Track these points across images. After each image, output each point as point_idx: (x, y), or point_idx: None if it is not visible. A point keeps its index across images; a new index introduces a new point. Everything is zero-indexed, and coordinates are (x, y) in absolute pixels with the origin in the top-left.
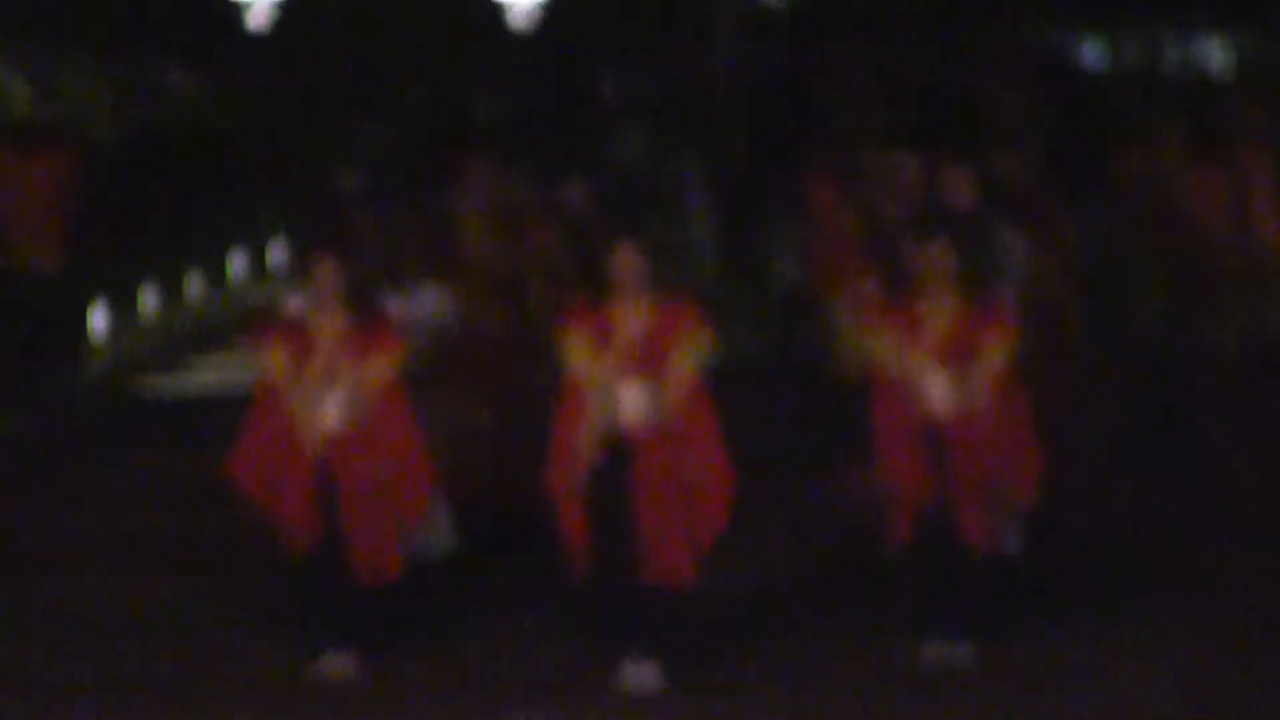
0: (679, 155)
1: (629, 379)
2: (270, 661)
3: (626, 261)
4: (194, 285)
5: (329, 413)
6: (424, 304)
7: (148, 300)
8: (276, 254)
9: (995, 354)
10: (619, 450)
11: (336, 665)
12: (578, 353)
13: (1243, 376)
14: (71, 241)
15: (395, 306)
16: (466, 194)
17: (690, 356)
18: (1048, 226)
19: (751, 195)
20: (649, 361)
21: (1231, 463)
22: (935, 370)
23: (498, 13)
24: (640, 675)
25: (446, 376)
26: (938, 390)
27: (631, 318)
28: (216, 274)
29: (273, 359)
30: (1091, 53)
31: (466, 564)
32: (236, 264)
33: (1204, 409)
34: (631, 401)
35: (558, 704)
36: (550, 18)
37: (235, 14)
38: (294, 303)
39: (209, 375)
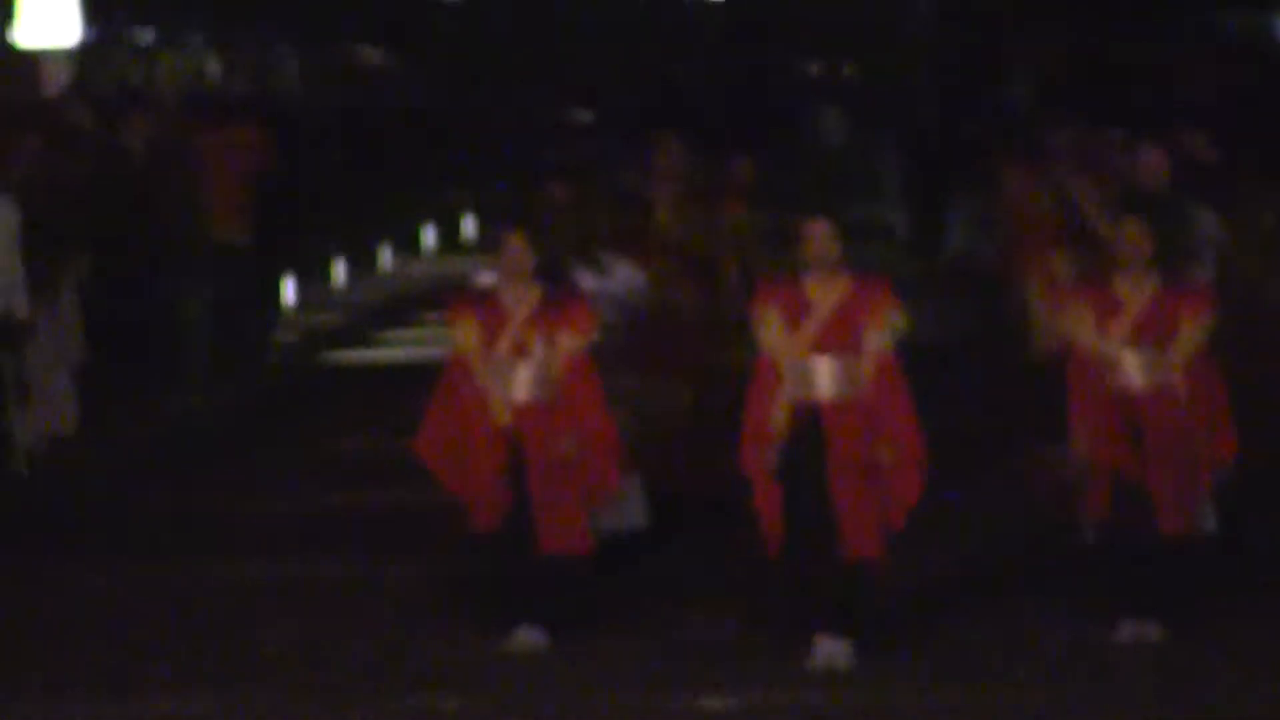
0: (875, 136)
1: (823, 356)
2: (463, 639)
3: (819, 239)
4: (386, 257)
5: (519, 386)
6: (617, 280)
7: (339, 273)
8: (470, 227)
9: (1191, 333)
10: (813, 427)
11: (529, 641)
12: (771, 330)
13: None
14: (264, 216)
15: (587, 282)
16: (661, 171)
17: (884, 333)
18: (1244, 206)
19: (945, 176)
20: (842, 338)
21: None
22: (1132, 349)
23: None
24: (833, 653)
25: (640, 354)
26: (1134, 369)
27: (825, 295)
28: (409, 247)
29: (463, 332)
30: None
31: (660, 541)
32: (429, 237)
33: None
34: (825, 378)
35: (750, 681)
36: None
37: None
38: (486, 277)
39: (400, 349)
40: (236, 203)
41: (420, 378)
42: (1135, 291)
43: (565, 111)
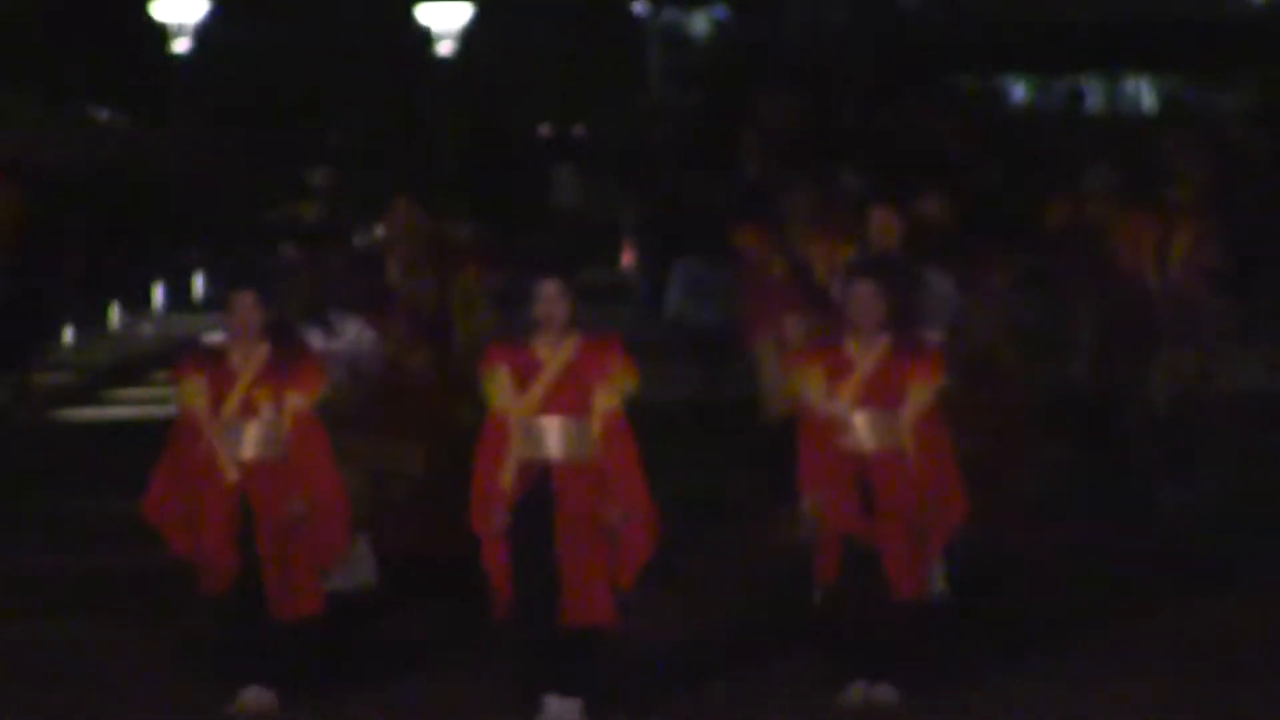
0: (611, 197)
1: (551, 415)
2: (192, 700)
3: (548, 298)
4: (116, 316)
5: (247, 445)
6: (346, 339)
7: (68, 331)
8: (201, 286)
9: (921, 395)
10: (542, 487)
11: (257, 702)
12: (500, 389)
13: (1172, 422)
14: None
15: (317, 341)
16: (393, 229)
17: (614, 393)
18: (977, 270)
19: (679, 238)
20: (571, 398)
21: (1159, 504)
22: (861, 410)
23: (425, 40)
24: (561, 712)
25: (370, 413)
26: (864, 430)
27: (554, 355)
28: (139, 305)
29: (191, 391)
30: (1018, 95)
31: (389, 600)
32: (160, 296)
33: (1134, 453)
34: (554, 438)
35: None
36: (474, 50)
37: (161, 45)
38: (215, 336)
39: (129, 408)
40: None
41: (150, 437)
42: (865, 353)
43: (302, 170)
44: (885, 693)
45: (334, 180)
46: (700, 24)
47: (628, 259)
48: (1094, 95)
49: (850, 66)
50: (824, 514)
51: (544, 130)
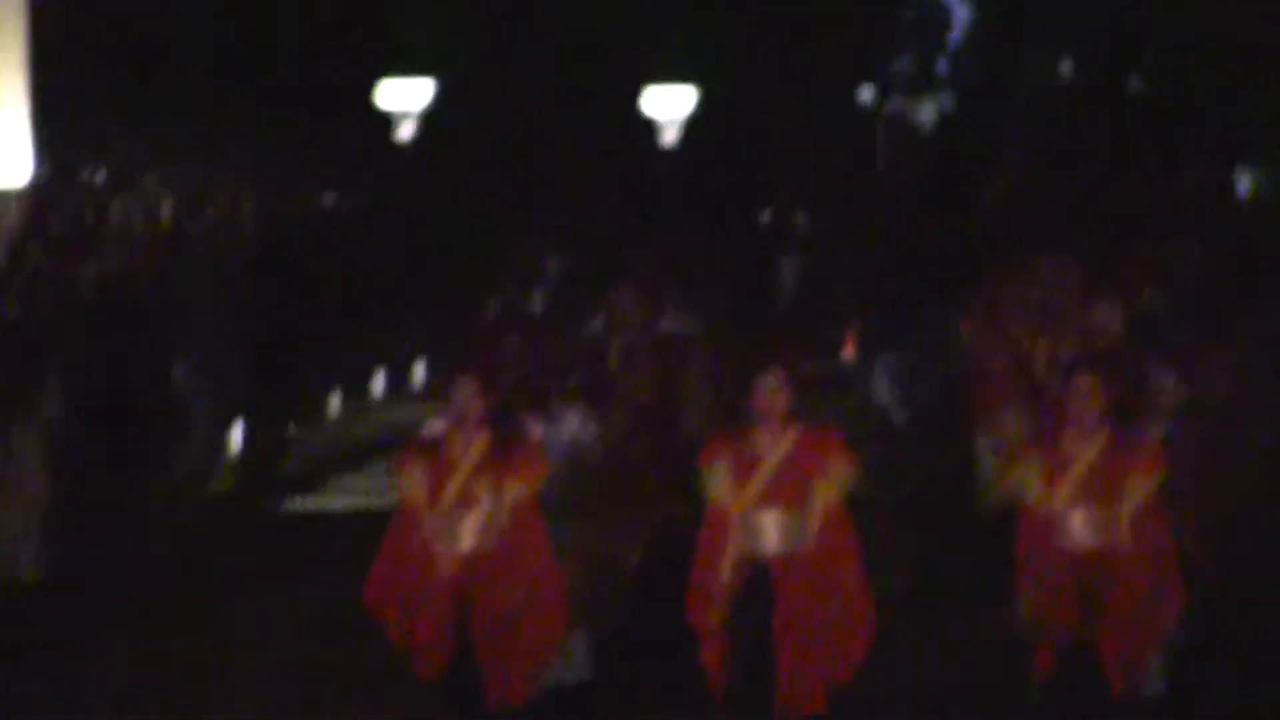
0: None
1: (770, 509)
2: None
3: (767, 391)
4: (336, 403)
5: (465, 535)
6: (567, 429)
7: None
8: (422, 373)
9: (1141, 490)
10: (761, 581)
11: None
12: (720, 482)
13: None
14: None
15: (537, 430)
16: (615, 319)
17: (834, 487)
18: (1200, 364)
19: (900, 326)
20: (790, 492)
21: None
22: (1081, 507)
23: (650, 130)
24: None
25: (589, 503)
26: (1083, 526)
27: (775, 447)
28: (359, 392)
29: (410, 481)
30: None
31: (605, 694)
32: (380, 382)
33: None
34: (773, 532)
35: None
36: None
37: (387, 129)
38: (435, 424)
39: (351, 497)
40: None
41: (371, 528)
42: (1085, 448)
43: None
44: None
45: (563, 265)
46: (927, 112)
47: (849, 350)
48: None
49: (1079, 152)
50: (1040, 610)
51: (765, 217)
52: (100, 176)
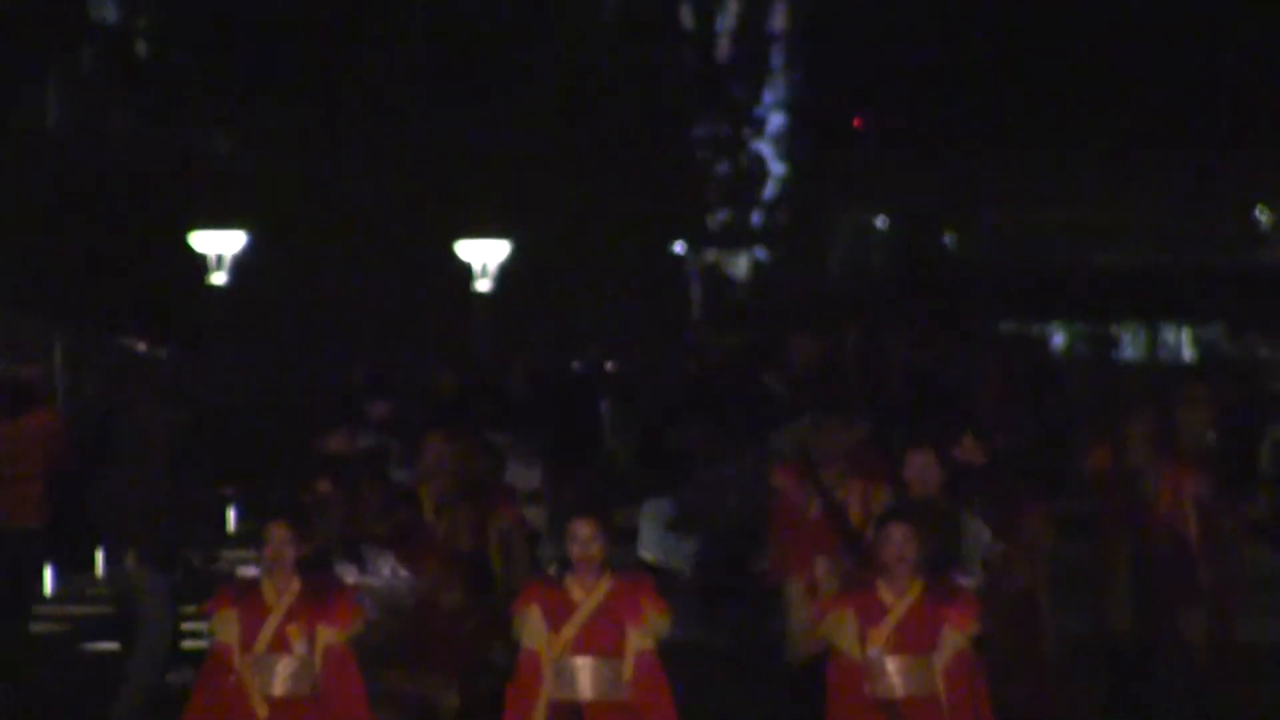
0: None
1: (585, 656)
2: None
3: (582, 539)
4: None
5: (278, 680)
6: (381, 575)
7: (99, 562)
8: (234, 519)
9: (955, 640)
10: None
11: None
12: (534, 628)
13: (1210, 676)
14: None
15: (351, 576)
16: (429, 466)
17: (648, 634)
18: (1016, 516)
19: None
20: (604, 638)
21: None
22: (894, 655)
23: (467, 275)
24: None
25: (404, 649)
26: (896, 675)
27: (587, 595)
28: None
29: (223, 624)
30: (1057, 341)
31: None
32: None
33: (1172, 702)
34: (587, 678)
35: None
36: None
37: (200, 275)
38: (249, 569)
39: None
40: (29, 488)
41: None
42: (899, 598)
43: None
44: None
45: (382, 412)
46: (741, 265)
47: None
48: (1133, 344)
49: (890, 309)
50: None
51: (577, 366)
52: None
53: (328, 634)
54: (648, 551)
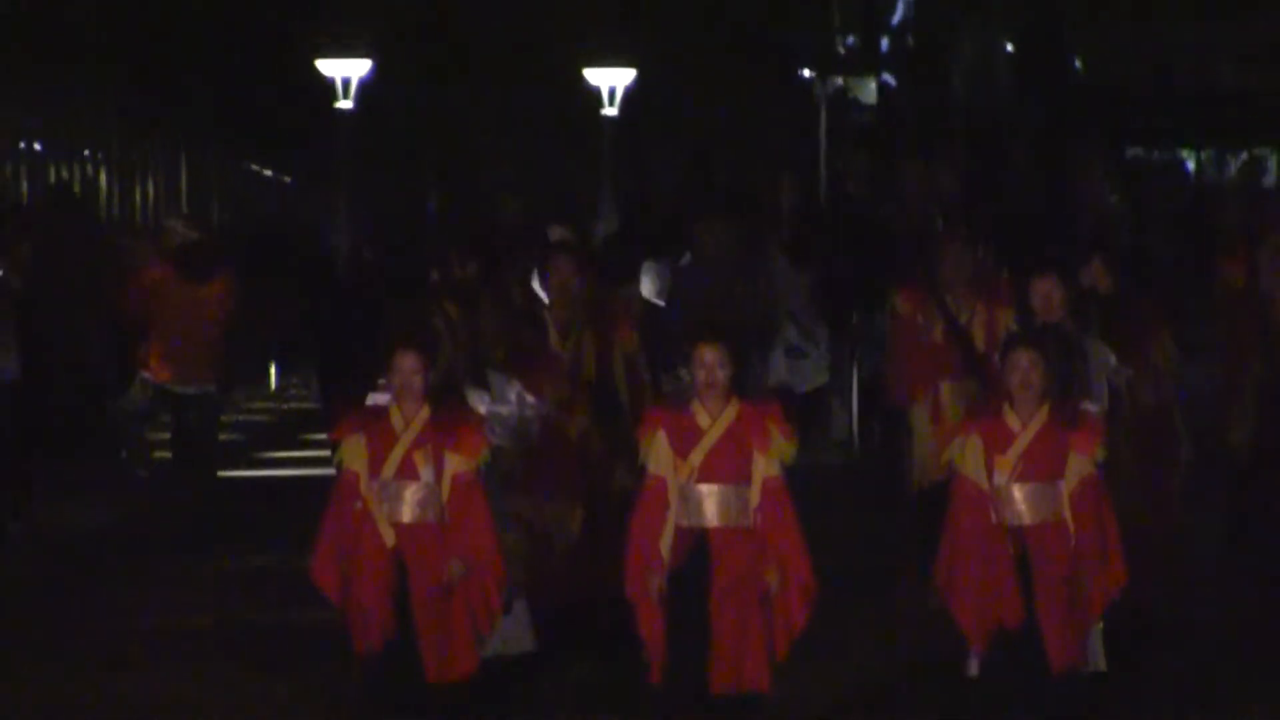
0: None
1: (710, 482)
2: None
3: (709, 364)
4: (275, 376)
5: (405, 508)
6: (508, 403)
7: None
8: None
9: (1081, 466)
10: (700, 554)
11: None
12: (659, 454)
13: None
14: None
15: (478, 404)
16: (553, 290)
17: (774, 460)
18: (1143, 339)
19: (844, 299)
20: (730, 465)
21: None
22: (1020, 482)
23: (594, 101)
24: None
25: (529, 476)
26: (1022, 502)
27: (713, 421)
28: (298, 365)
29: (352, 451)
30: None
31: (545, 666)
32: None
33: None
34: (712, 504)
35: None
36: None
37: (326, 101)
38: (377, 396)
39: (289, 469)
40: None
41: (313, 497)
42: (1025, 424)
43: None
44: None
45: (503, 239)
46: (868, 90)
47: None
48: (1270, 168)
49: (1019, 133)
50: (975, 586)
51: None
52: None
53: (455, 461)
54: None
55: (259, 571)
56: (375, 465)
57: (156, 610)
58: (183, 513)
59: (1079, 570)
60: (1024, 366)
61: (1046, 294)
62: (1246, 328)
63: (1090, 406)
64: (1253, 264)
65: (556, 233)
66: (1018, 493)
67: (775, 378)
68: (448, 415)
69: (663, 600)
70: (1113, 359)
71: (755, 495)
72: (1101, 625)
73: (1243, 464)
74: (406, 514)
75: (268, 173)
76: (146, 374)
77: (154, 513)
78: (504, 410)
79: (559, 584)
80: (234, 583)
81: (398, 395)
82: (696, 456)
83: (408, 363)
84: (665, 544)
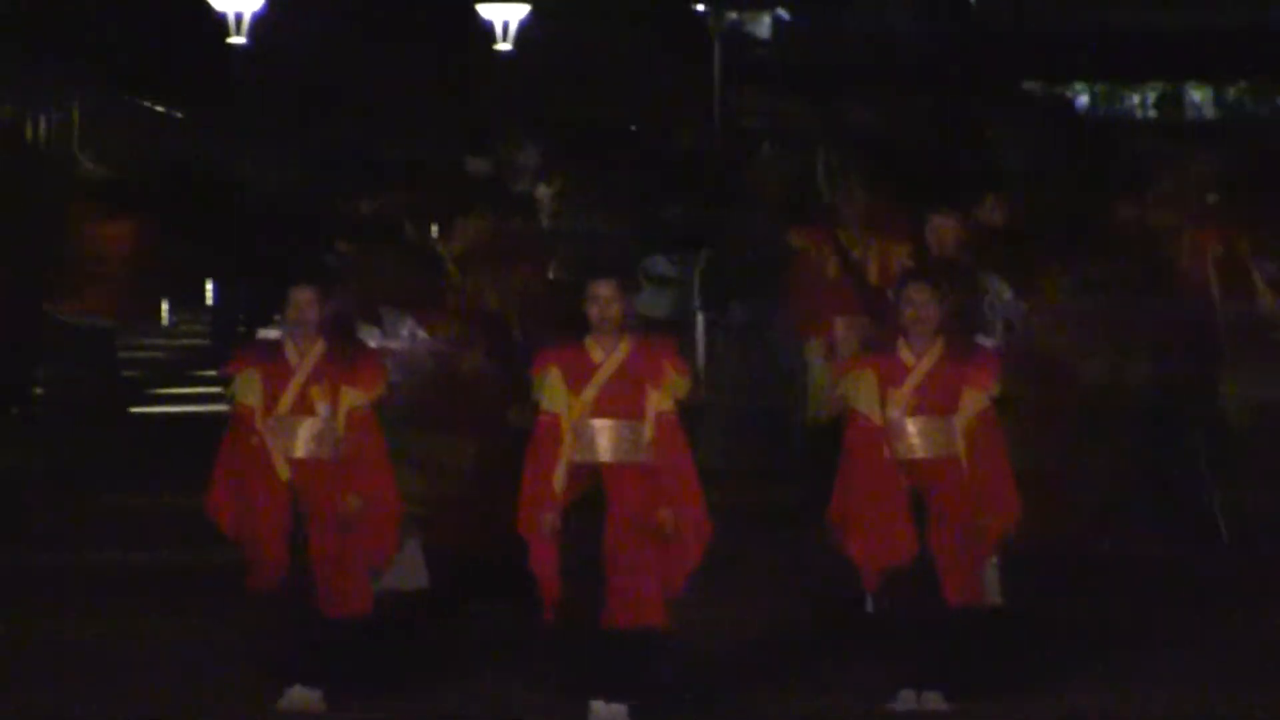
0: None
1: (604, 418)
2: (239, 697)
3: (602, 300)
4: (171, 315)
5: (301, 443)
6: (402, 338)
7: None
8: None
9: (976, 401)
10: (594, 489)
11: (304, 700)
12: (554, 390)
13: (1235, 436)
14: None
15: (372, 338)
16: (454, 229)
17: (668, 396)
18: (1037, 275)
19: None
20: (626, 400)
21: (1218, 517)
22: (914, 417)
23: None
24: (609, 717)
25: (424, 412)
26: (916, 437)
27: (608, 357)
28: (196, 302)
29: (246, 386)
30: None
31: (440, 604)
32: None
33: (1195, 461)
34: (606, 440)
35: None
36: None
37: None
38: (271, 331)
39: (182, 405)
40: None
41: (205, 434)
42: (920, 359)
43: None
44: (936, 701)
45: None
46: (763, 25)
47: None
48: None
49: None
50: (870, 523)
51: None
52: None
53: (351, 396)
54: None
55: (155, 509)
56: (270, 401)
57: (51, 548)
58: (80, 450)
59: (974, 505)
60: (919, 301)
61: (941, 229)
62: (1139, 266)
63: (986, 341)
64: (1143, 203)
65: (474, 164)
66: (912, 427)
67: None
68: (343, 350)
69: (556, 537)
70: (1009, 294)
71: (649, 430)
72: (996, 560)
73: (1138, 402)
74: (302, 449)
75: (160, 109)
76: (51, 307)
77: (50, 450)
78: (396, 345)
79: (452, 521)
80: (130, 520)
81: (292, 329)
82: (590, 392)
83: (303, 296)
84: (559, 480)
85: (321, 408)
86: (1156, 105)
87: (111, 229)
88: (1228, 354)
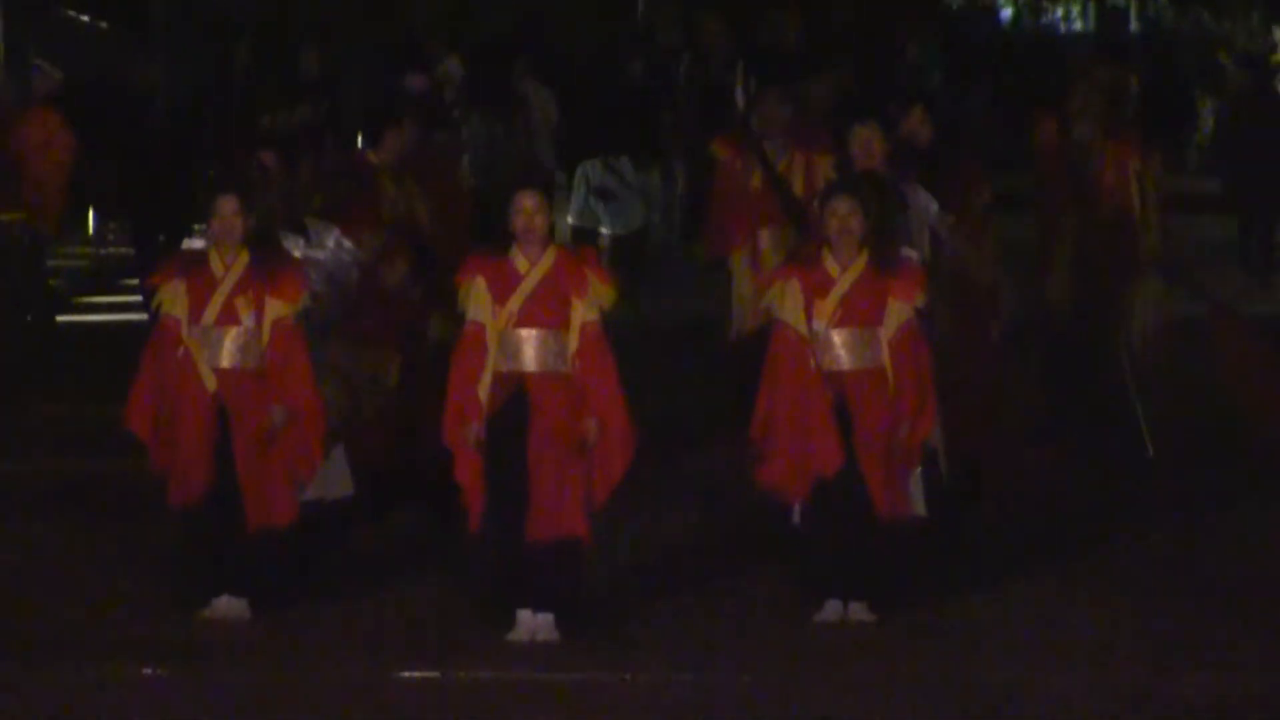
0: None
1: (529, 328)
2: (162, 608)
3: (527, 211)
4: (94, 223)
5: (225, 353)
6: (326, 249)
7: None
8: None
9: (900, 312)
10: (518, 400)
11: (230, 611)
12: (479, 300)
13: (1151, 352)
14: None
15: (296, 249)
16: (380, 143)
17: (592, 307)
18: (961, 189)
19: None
20: (549, 311)
21: (1138, 432)
22: (839, 329)
23: None
24: (534, 628)
25: (348, 323)
26: (841, 348)
27: (534, 266)
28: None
29: (170, 297)
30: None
31: (363, 511)
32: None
33: (1112, 375)
34: (531, 350)
35: (452, 653)
36: None
37: None
38: (195, 242)
39: (104, 314)
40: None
41: (128, 343)
42: (844, 270)
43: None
44: (861, 612)
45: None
46: None
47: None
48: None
49: None
50: (795, 434)
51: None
52: None
53: (276, 306)
54: (573, 217)
55: (77, 420)
56: (195, 311)
57: None
58: (2, 359)
59: (898, 416)
60: (843, 212)
61: (866, 141)
62: (1060, 182)
63: (910, 253)
64: (1062, 117)
65: (413, 80)
66: (837, 338)
67: (576, 220)
68: (267, 260)
69: (480, 447)
70: (934, 206)
71: (573, 341)
72: (919, 471)
73: (1060, 318)
74: (227, 360)
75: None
76: None
77: None
78: (320, 255)
79: (376, 432)
80: (51, 430)
81: (217, 239)
82: (515, 302)
83: (228, 207)
84: (484, 390)
85: (247, 318)
86: (1081, 18)
87: (44, 134)
88: (1144, 267)
